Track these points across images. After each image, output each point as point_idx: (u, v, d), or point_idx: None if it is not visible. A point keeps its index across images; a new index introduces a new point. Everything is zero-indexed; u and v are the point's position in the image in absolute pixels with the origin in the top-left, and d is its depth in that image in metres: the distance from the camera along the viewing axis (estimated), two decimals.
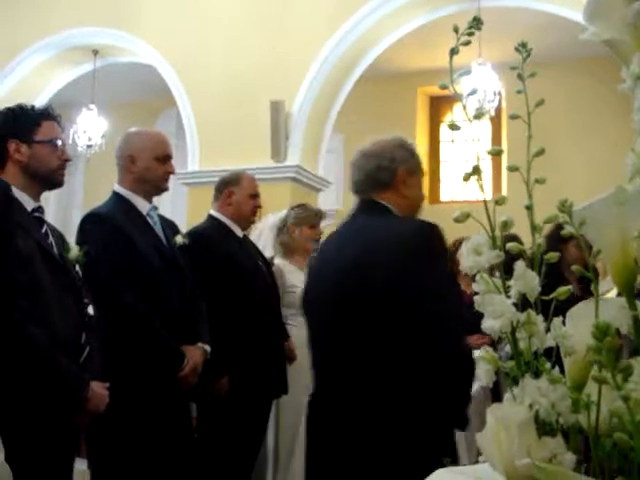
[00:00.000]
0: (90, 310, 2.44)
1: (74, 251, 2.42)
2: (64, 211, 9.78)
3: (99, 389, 2.20)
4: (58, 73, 7.39)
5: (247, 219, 3.44)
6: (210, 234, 3.32)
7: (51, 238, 2.28)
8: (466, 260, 0.72)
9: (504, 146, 9.02)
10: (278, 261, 3.93)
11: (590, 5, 0.76)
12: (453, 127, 0.94)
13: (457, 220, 0.86)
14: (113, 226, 2.61)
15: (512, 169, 0.90)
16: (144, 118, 9.22)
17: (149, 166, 2.74)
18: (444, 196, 9.45)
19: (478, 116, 0.86)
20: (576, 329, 0.81)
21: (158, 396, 2.61)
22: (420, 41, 7.24)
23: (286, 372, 3.45)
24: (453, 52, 0.79)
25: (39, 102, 7.34)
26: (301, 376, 3.68)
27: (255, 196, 3.44)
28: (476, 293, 0.73)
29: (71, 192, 9.92)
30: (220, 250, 3.23)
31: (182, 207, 6.82)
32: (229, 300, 3.17)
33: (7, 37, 7.04)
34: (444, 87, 0.92)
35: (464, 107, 0.84)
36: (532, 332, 0.72)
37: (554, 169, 8.12)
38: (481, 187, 0.77)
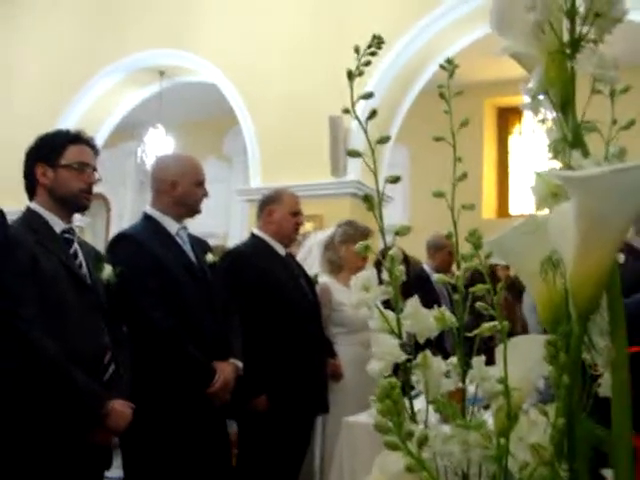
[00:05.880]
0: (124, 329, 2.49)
1: (107, 271, 2.47)
2: None
3: (121, 407, 2.21)
4: (127, 94, 7.65)
5: (289, 237, 3.43)
6: (250, 252, 3.33)
7: (81, 258, 2.33)
8: (355, 296, 0.68)
9: None
10: (325, 279, 3.89)
11: (493, 15, 0.69)
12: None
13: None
14: (141, 246, 2.66)
15: (437, 195, 0.85)
16: (210, 136, 9.40)
17: (190, 191, 2.84)
18: (513, 209, 9.01)
19: None
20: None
21: (191, 412, 2.62)
22: (485, 52, 7.08)
23: (327, 390, 3.41)
24: (352, 75, 0.75)
25: (110, 123, 7.63)
26: (347, 394, 3.64)
27: (297, 214, 3.43)
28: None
29: (142, 208, 10.20)
30: (259, 268, 3.24)
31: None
32: (268, 318, 3.16)
33: (83, 60, 7.34)
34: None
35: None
36: (427, 376, 0.66)
37: None
38: (378, 217, 0.72)
